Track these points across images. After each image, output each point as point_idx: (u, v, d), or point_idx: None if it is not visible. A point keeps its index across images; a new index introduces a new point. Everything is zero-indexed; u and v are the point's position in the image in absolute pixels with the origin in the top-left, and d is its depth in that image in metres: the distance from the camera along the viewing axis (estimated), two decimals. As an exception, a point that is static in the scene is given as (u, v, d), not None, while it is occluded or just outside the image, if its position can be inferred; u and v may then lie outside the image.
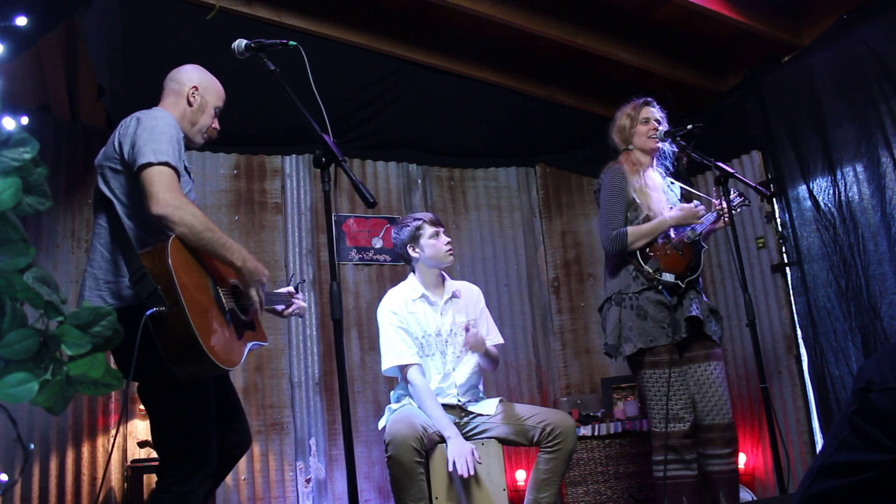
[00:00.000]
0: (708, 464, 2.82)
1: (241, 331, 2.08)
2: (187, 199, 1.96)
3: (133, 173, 1.94)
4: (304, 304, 2.48)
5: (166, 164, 1.91)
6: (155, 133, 1.94)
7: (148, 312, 1.77)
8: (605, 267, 3.10)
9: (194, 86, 2.21)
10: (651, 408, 2.86)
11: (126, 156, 1.96)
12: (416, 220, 2.98)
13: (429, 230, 2.94)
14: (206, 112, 2.22)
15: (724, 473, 2.78)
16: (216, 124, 2.26)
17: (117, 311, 1.89)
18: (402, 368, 2.84)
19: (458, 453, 2.60)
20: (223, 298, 2.02)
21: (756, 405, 4.00)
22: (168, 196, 1.88)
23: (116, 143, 1.99)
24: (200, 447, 1.97)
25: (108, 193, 2.01)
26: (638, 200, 2.91)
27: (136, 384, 2.04)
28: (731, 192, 2.84)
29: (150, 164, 1.89)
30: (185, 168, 2.09)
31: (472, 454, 2.62)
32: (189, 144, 2.21)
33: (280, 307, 2.43)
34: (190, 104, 2.20)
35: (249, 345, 2.11)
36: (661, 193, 2.95)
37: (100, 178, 2.04)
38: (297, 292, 2.48)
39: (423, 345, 2.91)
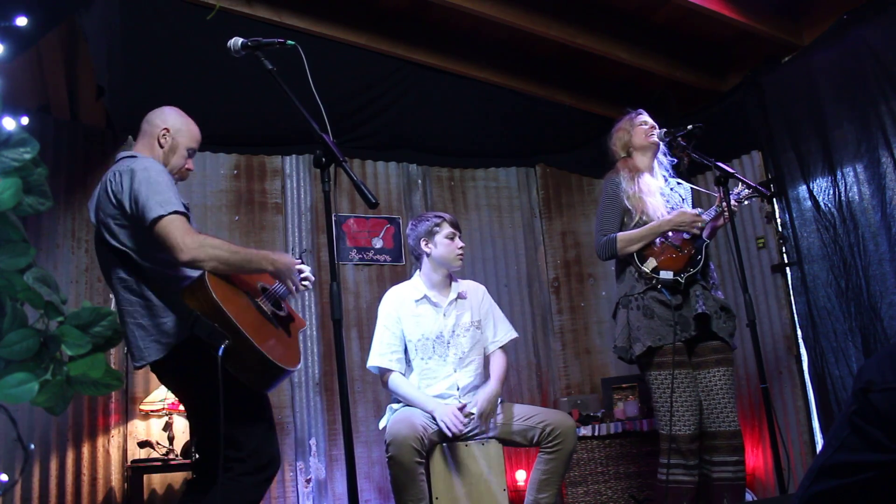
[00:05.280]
0: (714, 471, 2.79)
1: (286, 327, 2.18)
2: (205, 235, 2.06)
3: (142, 226, 1.99)
4: (311, 275, 2.47)
5: (175, 212, 1.98)
6: (152, 185, 1.99)
7: (220, 351, 1.83)
8: (614, 272, 3.11)
9: (165, 128, 2.23)
10: (657, 409, 2.85)
11: (130, 211, 2.01)
12: (437, 216, 3.01)
13: (447, 229, 2.96)
14: (178, 153, 2.25)
15: (731, 481, 2.75)
16: (189, 165, 2.30)
17: (174, 350, 1.99)
18: (380, 370, 2.91)
19: (444, 414, 2.69)
20: (262, 307, 2.11)
21: (756, 405, 4.00)
22: (188, 241, 1.95)
23: (114, 200, 2.03)
24: (272, 446, 2.09)
25: (121, 246, 2.05)
26: (631, 206, 2.92)
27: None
28: (739, 185, 2.86)
29: (161, 217, 1.96)
30: (185, 206, 2.15)
31: (458, 413, 2.69)
32: None
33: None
34: (161, 146, 2.22)
35: (299, 336, 2.23)
36: (657, 197, 2.95)
37: (105, 232, 2.07)
38: (301, 262, 2.49)
39: (420, 347, 2.90)
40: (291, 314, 2.30)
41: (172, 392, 2.44)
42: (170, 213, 1.96)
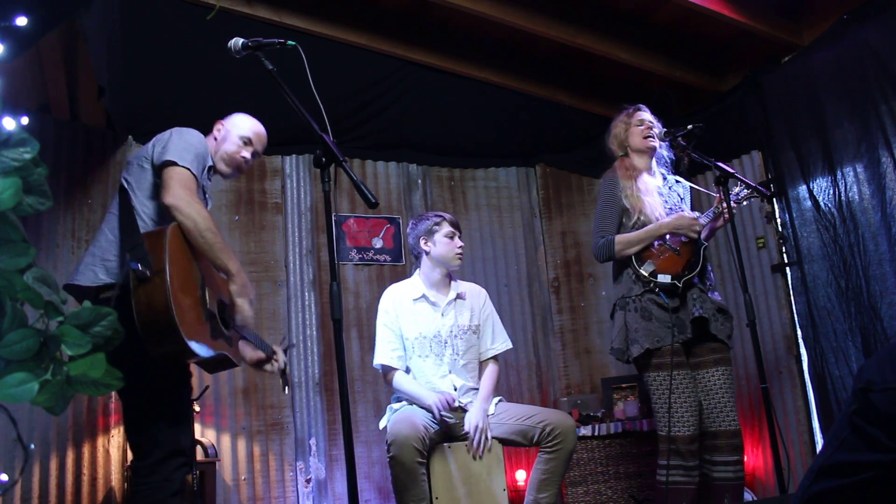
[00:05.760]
0: (714, 471, 2.78)
1: (216, 335, 2.11)
2: (200, 201, 2.09)
3: (156, 171, 2.10)
4: (281, 365, 2.47)
5: (189, 168, 2.07)
6: (185, 143, 2.12)
7: (132, 265, 1.84)
8: (611, 273, 3.10)
9: (220, 122, 2.42)
10: (656, 411, 2.84)
11: (155, 156, 2.12)
12: (437, 216, 3.04)
13: (446, 228, 2.98)
14: (229, 140, 2.36)
15: (731, 481, 2.75)
16: (245, 153, 2.36)
17: (105, 286, 1.99)
18: (384, 369, 2.93)
19: (434, 399, 2.72)
20: (207, 298, 2.08)
21: (756, 405, 3.99)
22: (182, 191, 2.03)
23: (150, 146, 2.16)
24: (171, 436, 1.99)
25: (125, 184, 2.14)
26: (629, 205, 2.91)
27: None
28: (738, 185, 2.85)
29: (173, 164, 2.06)
30: (203, 188, 2.21)
31: (468, 450, 2.70)
32: (218, 172, 2.37)
33: (253, 354, 2.42)
34: (215, 138, 2.38)
35: (223, 352, 2.12)
36: (655, 197, 2.94)
37: (125, 170, 2.20)
38: (279, 353, 2.48)
39: (416, 346, 2.90)
40: (234, 341, 2.24)
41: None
42: (182, 166, 2.05)
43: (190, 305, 1.96)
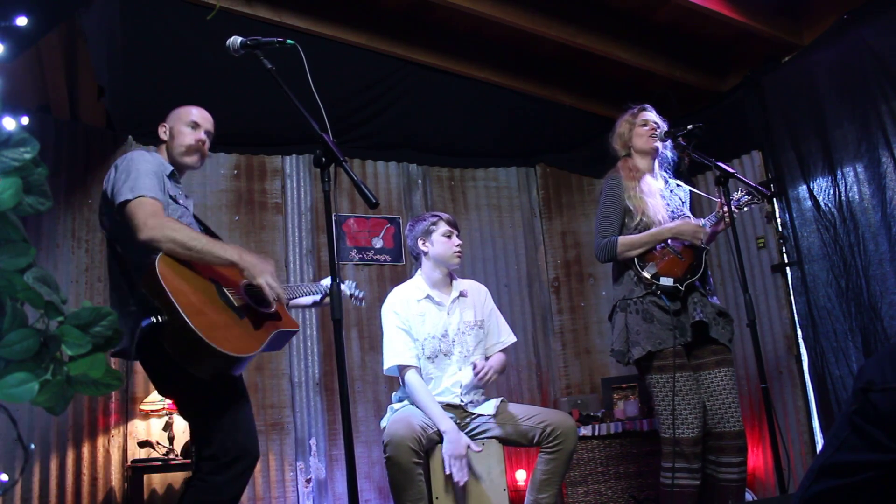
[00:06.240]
0: (719, 472, 2.78)
1: (259, 322, 2.16)
2: (170, 218, 2.10)
3: (121, 214, 2.09)
4: (348, 290, 2.65)
5: (142, 196, 2.06)
6: (129, 172, 2.11)
7: (144, 323, 1.87)
8: (611, 274, 3.09)
9: (162, 124, 2.39)
10: (659, 413, 2.83)
11: (109, 198, 2.13)
12: (433, 215, 3.03)
13: (443, 227, 2.97)
14: (178, 132, 2.36)
15: (735, 482, 2.75)
16: (199, 136, 2.35)
17: (144, 344, 2.00)
18: (401, 369, 2.86)
19: (453, 452, 2.63)
20: (231, 297, 2.12)
21: (756, 405, 3.99)
22: (150, 221, 2.02)
23: (107, 192, 2.16)
24: (240, 439, 2.06)
25: (108, 235, 2.19)
26: (632, 206, 2.91)
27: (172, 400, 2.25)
28: (740, 191, 2.84)
29: (127, 201, 2.06)
30: (173, 197, 2.22)
31: (468, 451, 2.65)
32: (185, 167, 2.37)
33: (310, 299, 2.60)
34: (164, 141, 2.37)
35: (274, 332, 2.18)
36: (657, 199, 2.93)
37: (100, 219, 2.24)
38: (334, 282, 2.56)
39: (426, 346, 2.90)
40: (281, 314, 2.28)
41: (157, 390, 2.48)
42: (137, 197, 2.05)
43: (215, 320, 1.98)
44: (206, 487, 1.99)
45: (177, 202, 2.24)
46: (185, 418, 2.25)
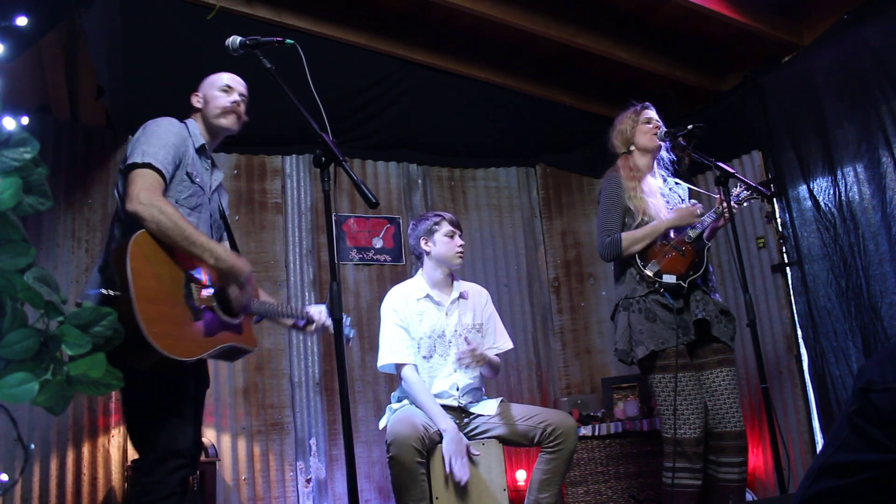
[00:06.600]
0: (720, 471, 2.78)
1: (215, 329, 2.07)
2: (165, 200, 1.98)
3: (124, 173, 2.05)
4: (321, 322, 2.54)
5: (149, 165, 1.99)
6: (150, 137, 2.05)
7: (93, 292, 1.81)
8: (613, 273, 3.09)
9: (195, 93, 2.36)
10: (661, 412, 2.83)
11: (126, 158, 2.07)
12: (436, 215, 3.02)
13: (446, 228, 2.97)
14: (212, 97, 2.33)
15: (735, 482, 2.75)
16: (231, 97, 2.32)
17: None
18: (398, 367, 2.86)
19: (454, 451, 2.62)
20: (196, 295, 2.01)
21: (756, 405, 3.99)
22: (142, 195, 1.94)
23: (127, 151, 2.11)
24: (165, 438, 1.96)
25: (116, 194, 2.11)
26: (633, 206, 2.91)
27: None
28: (738, 186, 2.85)
29: (134, 166, 1.99)
30: (189, 175, 2.13)
31: (468, 453, 2.64)
32: (222, 130, 2.33)
33: (290, 321, 2.53)
34: (198, 109, 2.34)
35: (226, 344, 2.09)
36: (658, 198, 2.93)
37: (116, 190, 2.17)
38: (313, 312, 2.54)
39: (423, 346, 2.90)
40: (242, 327, 2.20)
41: None
42: (143, 165, 1.98)
43: (165, 313, 1.89)
44: (138, 490, 1.93)
45: (192, 181, 2.14)
46: (123, 403, 2.10)
